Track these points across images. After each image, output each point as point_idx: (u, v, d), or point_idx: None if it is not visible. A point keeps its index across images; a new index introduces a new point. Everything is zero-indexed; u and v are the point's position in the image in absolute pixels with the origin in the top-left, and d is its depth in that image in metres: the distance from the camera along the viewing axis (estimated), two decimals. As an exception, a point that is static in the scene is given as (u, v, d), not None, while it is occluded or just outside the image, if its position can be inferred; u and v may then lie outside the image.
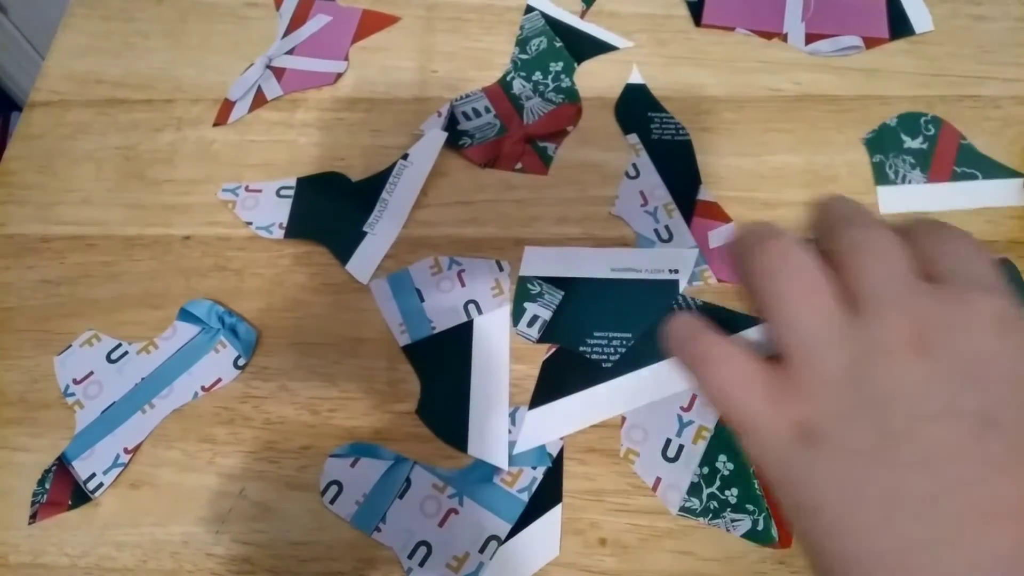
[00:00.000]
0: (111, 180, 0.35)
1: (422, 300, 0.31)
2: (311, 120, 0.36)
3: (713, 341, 0.20)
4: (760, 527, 0.27)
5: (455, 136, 0.35)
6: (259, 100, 0.37)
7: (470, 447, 0.28)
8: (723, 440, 0.28)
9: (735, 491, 0.27)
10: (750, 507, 0.27)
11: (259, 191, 0.34)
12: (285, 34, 0.39)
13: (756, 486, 0.27)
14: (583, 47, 0.37)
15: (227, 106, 0.36)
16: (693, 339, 0.20)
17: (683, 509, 0.27)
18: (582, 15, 0.38)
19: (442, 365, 0.30)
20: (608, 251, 0.32)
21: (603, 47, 0.37)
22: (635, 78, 0.36)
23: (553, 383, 0.29)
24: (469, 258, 0.32)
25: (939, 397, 0.16)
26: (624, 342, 0.30)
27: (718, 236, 0.32)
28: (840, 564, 0.17)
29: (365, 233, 0.33)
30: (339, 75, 0.37)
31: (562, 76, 0.37)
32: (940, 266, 0.18)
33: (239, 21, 0.39)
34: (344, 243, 0.32)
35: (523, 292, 0.31)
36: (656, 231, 0.32)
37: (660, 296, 0.31)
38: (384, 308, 0.31)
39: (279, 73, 0.37)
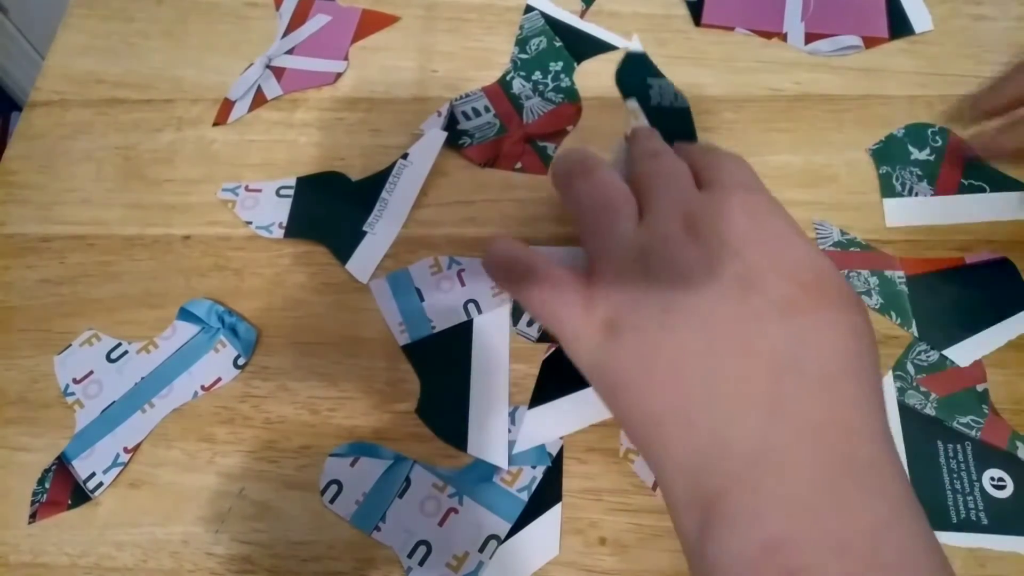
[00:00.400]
0: (111, 180, 0.35)
1: (422, 300, 0.31)
2: (311, 120, 0.36)
3: (532, 262, 0.23)
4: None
5: (455, 136, 0.35)
6: (259, 100, 0.37)
7: (470, 446, 0.28)
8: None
9: None
10: None
11: (259, 191, 0.34)
12: (285, 34, 0.39)
13: None
14: (583, 47, 0.37)
15: (227, 106, 0.36)
16: (514, 261, 0.23)
17: None
18: (581, 15, 0.38)
19: (442, 365, 0.30)
20: None
21: (603, 47, 0.37)
22: (636, 46, 0.37)
23: (553, 382, 0.29)
24: (469, 258, 0.32)
25: (707, 267, 0.19)
26: None
27: None
28: (642, 428, 0.20)
29: (365, 233, 0.33)
30: (339, 75, 0.37)
31: (562, 76, 0.37)
32: (709, 176, 0.22)
33: (239, 21, 0.39)
34: (344, 242, 0.32)
35: None
36: None
37: None
38: (384, 308, 0.31)
39: (279, 73, 0.37)
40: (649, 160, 0.23)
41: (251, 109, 0.36)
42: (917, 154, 0.34)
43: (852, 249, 0.31)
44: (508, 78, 0.37)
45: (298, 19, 0.39)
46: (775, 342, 0.18)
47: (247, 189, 0.34)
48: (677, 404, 0.19)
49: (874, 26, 0.37)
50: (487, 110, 0.36)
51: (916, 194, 0.33)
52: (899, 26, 0.37)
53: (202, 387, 0.30)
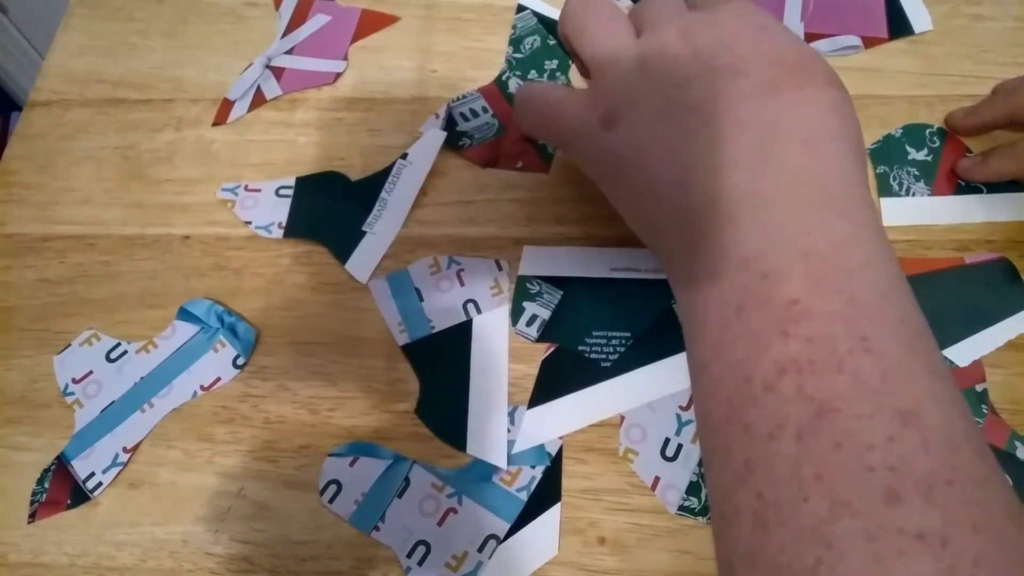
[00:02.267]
0: (111, 180, 0.35)
1: (421, 300, 0.31)
2: (310, 120, 0.36)
3: (542, 84, 0.27)
4: (758, 526, 0.27)
5: (454, 137, 0.35)
6: (258, 100, 0.37)
7: (469, 446, 0.28)
8: (722, 439, 0.28)
9: None
10: None
11: (258, 190, 0.34)
12: (284, 34, 0.39)
13: None
14: None
15: (226, 106, 0.36)
16: (528, 89, 0.27)
17: (682, 508, 0.27)
18: None
19: (441, 364, 0.30)
20: (608, 251, 0.32)
21: None
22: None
23: (552, 382, 0.29)
24: (468, 257, 0.32)
25: (701, 64, 0.21)
26: (623, 341, 0.30)
27: None
28: (639, 202, 0.23)
29: (364, 232, 0.33)
30: (338, 75, 0.37)
31: (557, 73, 0.37)
32: (701, 2, 0.24)
33: (238, 21, 0.39)
34: (343, 242, 0.32)
35: (522, 291, 0.31)
36: None
37: (659, 296, 0.31)
38: (383, 307, 0.31)
39: (278, 73, 0.37)
40: None
41: (250, 109, 0.36)
42: (915, 154, 0.34)
43: None
44: (504, 78, 0.37)
45: (298, 19, 0.39)
46: (762, 114, 0.20)
47: (246, 189, 0.34)
48: (675, 174, 0.21)
49: (873, 26, 0.37)
50: (485, 110, 0.36)
51: (913, 194, 0.33)
52: (898, 26, 0.37)
53: (201, 387, 0.30)
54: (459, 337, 0.30)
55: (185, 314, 0.31)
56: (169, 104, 0.37)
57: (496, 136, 0.35)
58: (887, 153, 0.34)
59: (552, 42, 0.38)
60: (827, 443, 0.16)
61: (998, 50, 0.36)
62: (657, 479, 0.28)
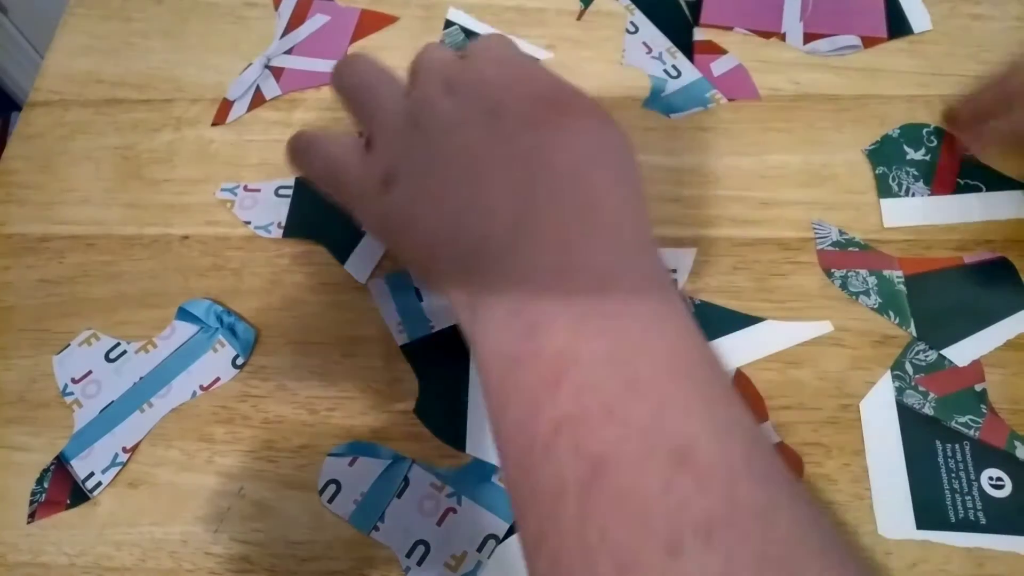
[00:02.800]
0: (110, 180, 0.35)
1: (420, 299, 0.31)
2: (310, 120, 0.36)
3: (320, 136, 0.26)
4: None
5: None
6: (258, 100, 0.37)
7: (468, 446, 0.28)
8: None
9: None
10: None
11: (257, 190, 0.34)
12: (284, 34, 0.39)
13: None
14: None
15: (226, 106, 0.36)
16: (297, 137, 0.26)
17: None
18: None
19: (441, 364, 0.30)
20: None
21: None
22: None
23: None
24: None
25: (462, 112, 0.21)
26: None
27: (720, 65, 0.37)
28: (420, 257, 0.22)
29: (364, 233, 0.33)
30: (338, 75, 0.37)
31: None
32: (468, 51, 0.24)
33: (238, 21, 0.39)
34: (342, 242, 0.32)
35: None
36: (666, 71, 0.37)
37: None
38: (382, 307, 0.31)
39: (278, 73, 0.37)
40: (420, 53, 0.25)
41: (250, 109, 0.36)
42: (913, 154, 0.34)
43: (851, 249, 0.31)
44: None
45: (297, 19, 0.39)
46: (523, 151, 0.20)
47: (245, 189, 0.34)
48: (447, 226, 0.21)
49: (873, 26, 0.37)
50: None
51: (913, 194, 0.33)
52: (898, 26, 0.37)
53: (201, 387, 0.30)
54: (458, 336, 0.30)
55: (184, 314, 0.31)
56: (168, 104, 0.37)
57: None
58: (886, 154, 0.34)
59: None
60: (607, 501, 0.16)
61: (997, 50, 0.36)
62: None
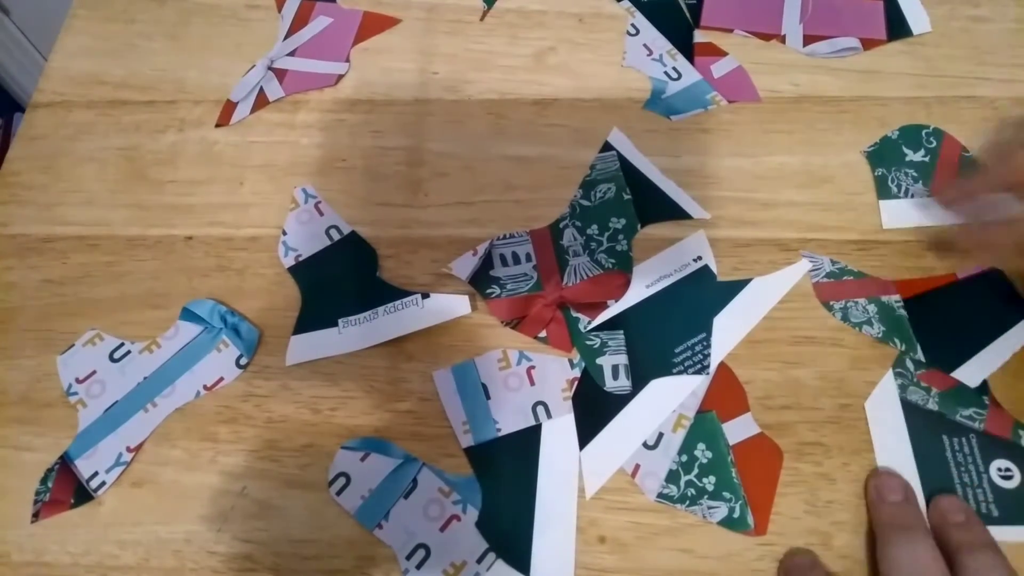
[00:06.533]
0: (114, 181, 0.35)
1: (488, 397, 0.29)
2: (312, 121, 0.36)
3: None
4: (736, 514, 0.27)
5: (484, 280, 0.31)
6: (261, 101, 0.37)
7: (534, 571, 0.26)
8: (702, 429, 0.28)
9: (712, 479, 0.28)
10: (727, 495, 0.27)
11: (320, 215, 0.33)
12: (287, 36, 0.39)
13: (734, 474, 0.28)
14: (651, 206, 0.33)
15: (229, 107, 0.37)
16: None
17: (661, 496, 0.27)
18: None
19: (507, 473, 0.28)
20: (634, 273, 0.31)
21: (676, 212, 0.33)
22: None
23: (591, 417, 0.29)
24: (540, 354, 0.30)
25: None
26: (704, 342, 0.30)
27: (720, 67, 0.37)
28: None
29: (336, 325, 0.31)
30: (340, 76, 0.37)
31: (620, 237, 0.32)
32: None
33: (241, 23, 0.40)
34: (315, 316, 0.31)
35: (586, 351, 0.30)
36: (666, 73, 0.37)
37: (701, 285, 0.31)
38: (447, 402, 0.29)
39: (281, 74, 0.37)
40: (966, 552, 0.24)
41: (253, 110, 0.37)
42: (912, 155, 0.34)
43: (846, 278, 0.31)
44: (561, 225, 0.33)
45: (300, 21, 0.39)
46: None
47: (316, 207, 0.33)
48: None
49: (872, 28, 0.37)
50: (528, 259, 0.32)
51: (912, 196, 0.33)
52: (897, 28, 0.37)
53: (204, 387, 0.30)
54: (527, 443, 0.28)
55: (188, 314, 0.31)
56: (172, 106, 0.37)
57: (529, 292, 0.31)
58: (885, 155, 0.34)
59: (627, 196, 0.33)
60: None
61: (997, 52, 0.37)
62: (637, 467, 0.28)
